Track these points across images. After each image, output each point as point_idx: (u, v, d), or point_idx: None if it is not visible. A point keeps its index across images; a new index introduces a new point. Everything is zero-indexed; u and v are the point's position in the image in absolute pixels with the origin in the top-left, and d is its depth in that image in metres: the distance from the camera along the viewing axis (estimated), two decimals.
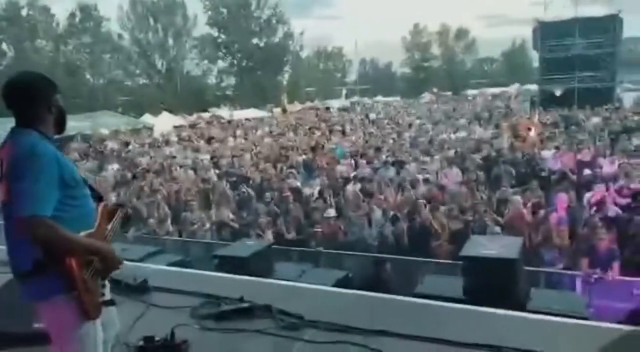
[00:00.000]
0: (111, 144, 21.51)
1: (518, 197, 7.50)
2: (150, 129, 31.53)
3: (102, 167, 14.74)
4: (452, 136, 16.04)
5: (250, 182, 10.98)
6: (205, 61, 56.62)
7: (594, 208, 7.36)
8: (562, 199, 7.36)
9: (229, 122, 35.06)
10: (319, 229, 7.83)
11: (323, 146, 15.65)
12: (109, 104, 40.49)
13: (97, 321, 2.24)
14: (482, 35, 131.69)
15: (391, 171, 10.62)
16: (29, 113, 2.20)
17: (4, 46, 44.22)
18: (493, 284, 4.30)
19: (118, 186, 11.27)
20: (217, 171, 12.61)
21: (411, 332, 3.35)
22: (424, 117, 26.90)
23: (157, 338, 3.25)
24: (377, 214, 7.96)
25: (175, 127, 32.54)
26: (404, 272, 6.33)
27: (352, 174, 10.88)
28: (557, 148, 11.95)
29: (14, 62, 42.46)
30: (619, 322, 4.00)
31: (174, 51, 53.82)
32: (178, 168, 13.28)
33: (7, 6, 43.19)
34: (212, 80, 58.21)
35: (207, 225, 8.69)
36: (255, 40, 56.26)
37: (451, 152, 12.28)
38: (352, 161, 12.50)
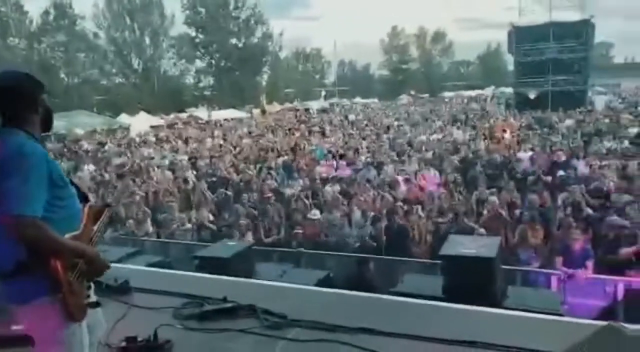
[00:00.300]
0: (87, 144, 21.15)
1: (494, 198, 7.66)
2: (127, 129, 31.08)
3: (78, 167, 14.49)
4: (430, 138, 16.26)
5: (230, 183, 10.94)
6: (183, 61, 56.18)
7: (568, 209, 7.55)
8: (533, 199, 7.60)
9: (207, 122, 34.82)
10: (300, 230, 7.85)
11: (303, 147, 15.69)
12: (84, 103, 39.75)
13: (83, 323, 2.21)
14: (458, 38, 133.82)
15: (372, 172, 10.72)
16: (15, 113, 2.16)
17: None
18: (471, 282, 4.39)
19: (99, 187, 11.10)
20: (195, 172, 12.52)
21: (393, 329, 3.40)
22: (402, 119, 27.18)
23: (139, 339, 3.23)
24: (357, 214, 8.03)
25: (152, 127, 32.17)
26: (384, 271, 6.40)
27: (331, 175, 10.94)
28: (532, 150, 12.24)
29: None
30: (592, 319, 4.13)
31: (151, 50, 53.22)
32: (156, 169, 13.14)
33: None
34: (189, 80, 57.83)
35: (187, 226, 8.63)
36: (233, 41, 56.01)
37: (429, 154, 12.45)
38: (332, 162, 12.56)
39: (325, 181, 10.52)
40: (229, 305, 3.74)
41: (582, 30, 31.70)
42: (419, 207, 7.89)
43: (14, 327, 3.41)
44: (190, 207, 9.62)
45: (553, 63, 31.73)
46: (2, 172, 2.00)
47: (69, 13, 48.71)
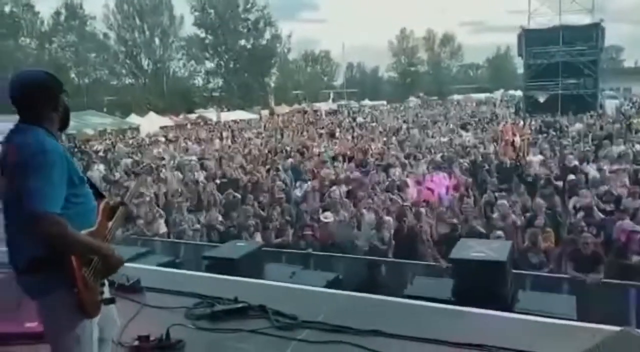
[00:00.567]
0: (97, 144, 21.29)
1: (505, 201, 7.63)
2: (137, 129, 31.29)
3: (88, 167, 14.59)
4: (439, 141, 16.21)
5: (239, 184, 10.96)
6: (192, 62, 56.47)
7: (579, 213, 7.50)
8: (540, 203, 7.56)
9: (216, 123, 34.96)
10: (309, 232, 7.85)
11: (311, 149, 15.70)
12: (95, 103, 39.99)
13: (95, 320, 2.23)
14: (467, 41, 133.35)
15: (380, 175, 10.70)
16: (36, 111, 2.18)
17: None
18: (482, 285, 4.38)
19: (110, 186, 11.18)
20: (204, 173, 12.56)
21: (403, 332, 3.40)
22: (411, 122, 27.12)
23: (152, 338, 3.26)
24: (366, 217, 8.01)
25: (161, 128, 32.34)
26: (393, 274, 6.40)
27: (340, 177, 10.94)
28: (541, 153, 12.17)
29: None
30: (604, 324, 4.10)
31: (161, 51, 53.54)
32: (164, 169, 13.20)
33: None
34: (199, 81, 58.06)
35: (196, 226, 8.67)
36: (242, 42, 56.25)
37: (438, 157, 12.42)
38: (341, 164, 12.56)
39: (333, 183, 10.52)
40: (240, 305, 3.76)
41: (592, 33, 31.48)
42: (428, 210, 7.87)
43: (27, 325, 3.47)
44: (200, 207, 9.66)
45: (563, 66, 31.51)
46: (24, 168, 2.03)
47: (80, 14, 49.18)
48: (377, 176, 10.64)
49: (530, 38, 32.56)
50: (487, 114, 30.74)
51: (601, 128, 18.17)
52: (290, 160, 13.69)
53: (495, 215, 7.52)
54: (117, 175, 12.27)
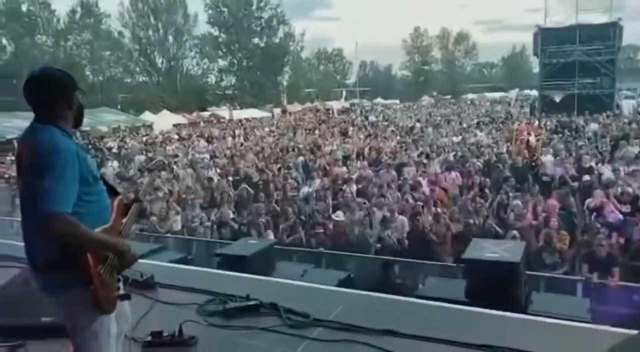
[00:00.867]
0: (110, 142, 21.51)
1: (519, 202, 7.55)
2: (150, 126, 31.54)
3: (102, 164, 14.75)
4: (452, 140, 16.09)
5: (251, 181, 10.99)
6: (206, 60, 56.64)
7: (594, 214, 7.41)
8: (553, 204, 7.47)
9: (229, 121, 35.11)
10: (320, 230, 7.85)
11: (323, 147, 15.70)
12: (109, 101, 40.41)
13: (112, 315, 2.26)
14: (481, 40, 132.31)
15: (392, 174, 10.66)
16: (50, 109, 2.19)
17: (4, 41, 44.16)
18: (495, 286, 4.34)
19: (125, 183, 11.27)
20: (217, 170, 12.62)
21: (415, 332, 3.39)
22: (424, 121, 26.98)
23: (165, 334, 3.28)
24: (378, 215, 7.99)
25: (174, 125, 32.56)
26: (405, 274, 6.37)
27: (352, 176, 10.92)
28: (556, 154, 12.04)
29: (13, 58, 42.41)
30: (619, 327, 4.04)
31: (174, 49, 53.81)
32: (177, 166, 13.28)
33: (7, 1, 43.09)
34: (212, 79, 58.26)
35: (207, 224, 8.71)
36: (255, 40, 56.35)
37: (451, 156, 12.34)
38: (353, 163, 12.53)
39: (345, 181, 10.50)
40: (252, 303, 3.77)
41: (609, 32, 31.03)
42: (441, 209, 7.82)
43: (44, 319, 3.52)
44: (212, 205, 9.71)
45: (579, 66, 31.10)
46: (37, 167, 2.04)
47: (95, 12, 49.65)
48: (390, 175, 10.61)
49: (547, 37, 32.19)
50: (502, 114, 30.49)
51: (620, 128, 17.91)
52: (301, 158, 13.70)
53: (509, 215, 7.44)
54: (131, 172, 12.37)
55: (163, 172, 11.68)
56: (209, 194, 10.32)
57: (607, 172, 9.87)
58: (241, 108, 44.52)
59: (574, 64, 31.19)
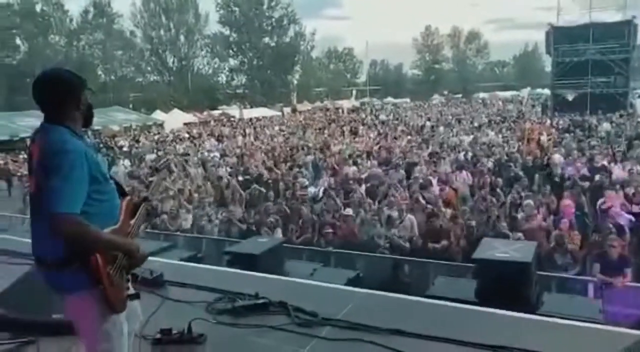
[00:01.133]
0: (122, 140, 21.68)
1: (530, 201, 7.48)
2: (161, 125, 31.74)
3: (113, 162, 14.87)
4: (463, 139, 15.99)
5: (261, 180, 11.02)
6: (216, 59, 56.92)
7: (606, 214, 7.32)
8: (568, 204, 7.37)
9: (239, 120, 35.23)
10: (329, 230, 7.84)
11: (332, 147, 15.69)
12: (120, 100, 40.77)
13: (122, 315, 2.26)
14: (493, 38, 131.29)
15: (401, 173, 10.63)
16: (59, 109, 2.20)
17: (18, 41, 44.66)
18: (505, 287, 4.31)
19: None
20: (227, 169, 12.67)
21: (425, 332, 3.37)
22: (435, 120, 26.85)
23: (174, 331, 3.29)
24: (388, 215, 7.96)
25: (185, 124, 32.73)
26: (414, 273, 6.34)
27: (362, 175, 10.90)
28: (569, 153, 11.91)
29: (27, 57, 42.93)
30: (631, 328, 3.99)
31: (185, 49, 54.14)
32: (187, 165, 13.36)
33: (21, 1, 43.61)
34: (222, 78, 58.50)
35: (216, 222, 8.75)
36: (266, 40, 56.49)
37: (462, 155, 12.27)
38: (363, 162, 12.50)
39: (355, 180, 10.49)
40: (261, 301, 3.78)
41: (623, 30, 30.60)
42: (451, 209, 7.78)
43: (55, 316, 3.55)
44: (222, 203, 9.75)
45: (592, 64, 30.73)
46: (46, 168, 2.05)
47: (108, 12, 50.13)
48: (400, 174, 10.57)
49: (559, 35, 31.84)
50: (513, 113, 30.24)
51: (633, 128, 17.69)
52: (311, 157, 13.71)
53: (520, 215, 7.38)
54: (142, 171, 12.46)
55: (175, 170, 11.77)
56: (218, 192, 10.37)
57: (617, 171, 9.76)
58: (251, 107, 44.65)
59: (587, 62, 30.82)
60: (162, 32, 52.62)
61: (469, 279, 5.26)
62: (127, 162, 14.80)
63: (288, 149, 15.96)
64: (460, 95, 60.24)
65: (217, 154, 15.63)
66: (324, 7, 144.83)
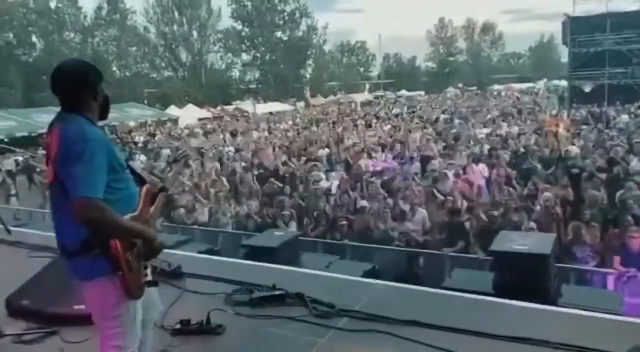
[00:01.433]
0: (138, 136, 21.90)
1: (548, 194, 7.40)
2: (175, 121, 31.97)
3: (130, 158, 15.03)
4: (479, 131, 15.83)
5: (275, 174, 11.05)
6: (229, 54, 57.04)
7: (625, 206, 7.21)
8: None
9: (253, 115, 35.33)
10: (344, 222, 7.85)
11: (346, 140, 15.66)
12: (136, 96, 41.11)
13: (139, 302, 2.30)
14: (508, 29, 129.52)
15: (416, 166, 10.58)
16: (76, 100, 2.23)
17: (34, 38, 45.22)
18: (524, 279, 4.27)
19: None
20: (243, 163, 12.73)
21: (442, 323, 3.36)
22: (449, 112, 26.62)
23: (193, 322, 3.33)
24: (403, 208, 7.94)
25: (199, 119, 32.92)
26: (430, 266, 6.33)
27: (377, 168, 10.87)
28: (586, 145, 11.75)
29: (43, 54, 43.49)
30: None
31: (199, 44, 54.33)
32: (203, 159, 13.45)
33: None
34: (235, 73, 58.65)
35: (228, 215, 8.82)
36: (278, 34, 56.47)
37: (477, 148, 12.16)
38: (377, 155, 12.46)
39: (369, 173, 10.47)
40: (278, 293, 3.80)
41: None
42: (467, 201, 7.73)
43: (76, 307, 3.61)
44: (237, 197, 9.81)
45: (610, 55, 30.15)
46: (66, 156, 2.09)
47: (121, 8, 50.48)
48: (415, 167, 10.52)
49: (576, 26, 31.26)
50: (529, 105, 29.84)
51: None
52: (325, 150, 13.70)
53: (537, 207, 7.31)
54: (160, 165, 12.59)
55: (192, 165, 11.85)
56: (233, 186, 10.43)
57: (635, 162, 9.60)
58: (265, 102, 44.73)
59: (604, 53, 30.24)
60: (175, 27, 52.87)
61: (486, 271, 5.23)
62: (143, 157, 14.94)
63: (302, 143, 15.97)
64: (475, 88, 59.58)
65: (232, 149, 15.70)
66: (336, 0, 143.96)
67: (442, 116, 23.74)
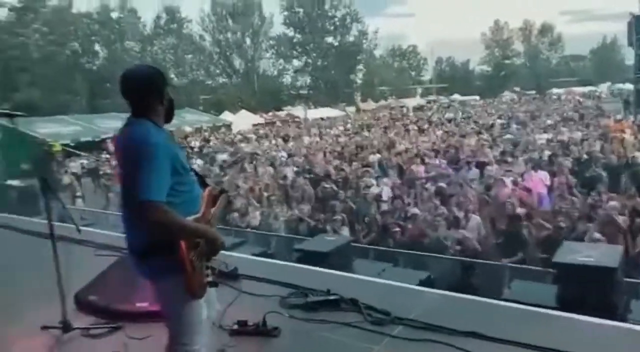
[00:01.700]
0: (194, 141, 22.59)
1: (615, 203, 7.00)
2: (229, 126, 32.74)
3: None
4: (538, 137, 15.22)
5: (326, 179, 11.07)
6: (281, 61, 57.94)
7: None
8: None
9: (304, 120, 35.66)
10: (396, 229, 7.74)
11: (398, 145, 15.50)
12: (192, 102, 42.42)
13: (202, 301, 2.36)
14: (568, 31, 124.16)
15: (473, 172, 10.30)
16: (143, 104, 2.32)
17: (97, 47, 47.66)
18: (589, 293, 4.06)
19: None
20: (295, 168, 12.85)
21: (502, 336, 3.24)
22: (506, 117, 25.79)
23: (249, 323, 3.38)
24: (458, 215, 7.74)
25: (252, 125, 33.56)
26: (488, 277, 6.12)
27: (430, 174, 10.68)
28: None
29: (106, 63, 45.78)
30: None
31: (251, 51, 55.50)
32: (256, 164, 13.69)
33: (100, 10, 46.57)
34: (287, 79, 59.46)
35: (281, 219, 8.91)
36: (329, 39, 56.90)
37: (537, 154, 11.69)
38: (430, 161, 12.24)
39: (422, 179, 10.30)
40: (333, 298, 3.79)
41: None
42: (527, 210, 7.43)
43: (138, 305, 3.76)
44: (289, 202, 9.91)
45: None
46: (131, 159, 2.18)
47: (178, 17, 52.45)
48: (470, 174, 10.26)
49: None
50: (592, 109, 28.44)
51: None
52: (376, 156, 13.61)
53: (602, 217, 6.93)
54: (214, 169, 12.94)
55: (248, 169, 12.10)
56: (286, 191, 10.55)
57: None
58: (315, 107, 45.04)
59: None
60: (229, 35, 54.33)
61: (548, 283, 5.01)
62: (199, 162, 15.39)
63: (353, 148, 15.94)
64: (533, 92, 57.46)
65: (284, 154, 15.91)
66: (387, 5, 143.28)
67: (498, 121, 23.02)
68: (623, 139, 13.00)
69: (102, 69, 45.02)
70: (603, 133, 14.81)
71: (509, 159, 11.10)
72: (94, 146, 22.86)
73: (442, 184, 9.45)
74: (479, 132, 17.71)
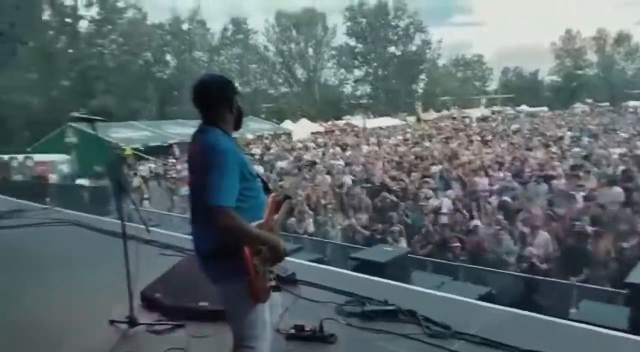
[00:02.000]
0: (254, 148, 23.13)
1: None
2: (289, 134, 33.28)
3: None
4: (612, 151, 14.34)
5: (384, 189, 10.96)
6: (342, 70, 58.32)
7: None
8: None
9: (363, 129, 35.61)
10: (456, 244, 7.54)
11: (460, 156, 15.10)
12: (254, 110, 43.54)
13: (266, 304, 2.40)
14: None
15: (542, 187, 9.84)
16: (214, 112, 2.42)
17: (168, 57, 50.06)
18: None
19: None
20: (352, 177, 12.83)
21: None
22: (577, 130, 24.52)
23: (307, 328, 3.40)
24: (523, 231, 7.44)
25: (312, 133, 33.91)
26: (554, 295, 5.83)
27: (494, 187, 10.33)
28: None
29: (176, 72, 47.98)
30: None
31: (314, 61, 56.33)
32: (315, 172, 13.78)
33: (172, 21, 48.98)
34: (347, 89, 59.74)
35: (337, 228, 8.91)
36: (392, 49, 56.73)
37: (611, 169, 11.02)
38: (494, 173, 11.83)
39: (486, 192, 9.97)
40: (391, 308, 3.75)
41: None
42: (599, 228, 7.02)
43: (201, 304, 3.88)
44: (346, 210, 9.90)
45: None
46: (202, 165, 2.26)
47: (244, 28, 54.16)
48: (537, 188, 9.83)
49: None
50: None
51: None
52: (437, 167, 13.32)
53: None
54: (273, 176, 13.18)
55: (307, 176, 12.23)
56: (343, 199, 10.54)
57: None
58: (375, 117, 44.88)
59: None
60: (292, 45, 55.46)
61: (619, 305, 4.71)
62: (261, 169, 15.71)
63: (413, 158, 15.69)
64: (607, 104, 54.27)
65: (342, 163, 15.92)
66: (452, 13, 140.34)
67: (569, 133, 21.92)
68: None
69: (171, 78, 47.19)
70: None
71: (580, 174, 10.52)
72: (162, 151, 23.87)
73: (507, 198, 9.13)
74: (547, 145, 16.94)
